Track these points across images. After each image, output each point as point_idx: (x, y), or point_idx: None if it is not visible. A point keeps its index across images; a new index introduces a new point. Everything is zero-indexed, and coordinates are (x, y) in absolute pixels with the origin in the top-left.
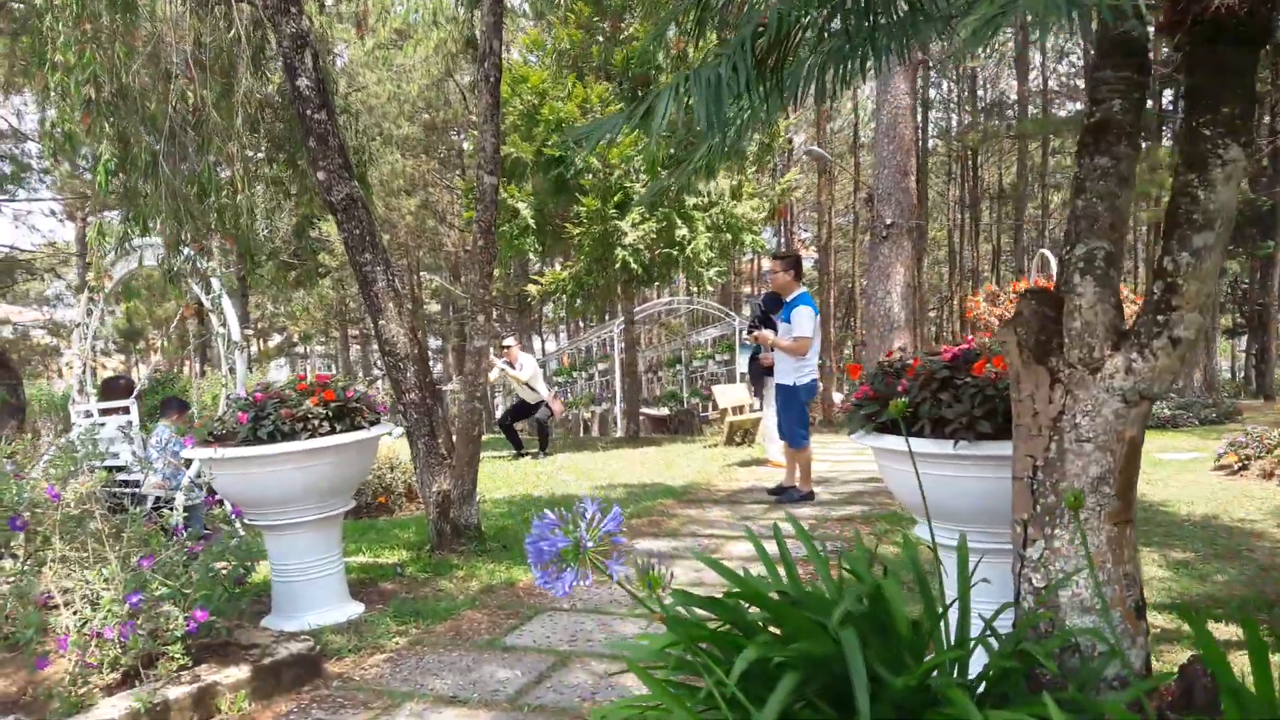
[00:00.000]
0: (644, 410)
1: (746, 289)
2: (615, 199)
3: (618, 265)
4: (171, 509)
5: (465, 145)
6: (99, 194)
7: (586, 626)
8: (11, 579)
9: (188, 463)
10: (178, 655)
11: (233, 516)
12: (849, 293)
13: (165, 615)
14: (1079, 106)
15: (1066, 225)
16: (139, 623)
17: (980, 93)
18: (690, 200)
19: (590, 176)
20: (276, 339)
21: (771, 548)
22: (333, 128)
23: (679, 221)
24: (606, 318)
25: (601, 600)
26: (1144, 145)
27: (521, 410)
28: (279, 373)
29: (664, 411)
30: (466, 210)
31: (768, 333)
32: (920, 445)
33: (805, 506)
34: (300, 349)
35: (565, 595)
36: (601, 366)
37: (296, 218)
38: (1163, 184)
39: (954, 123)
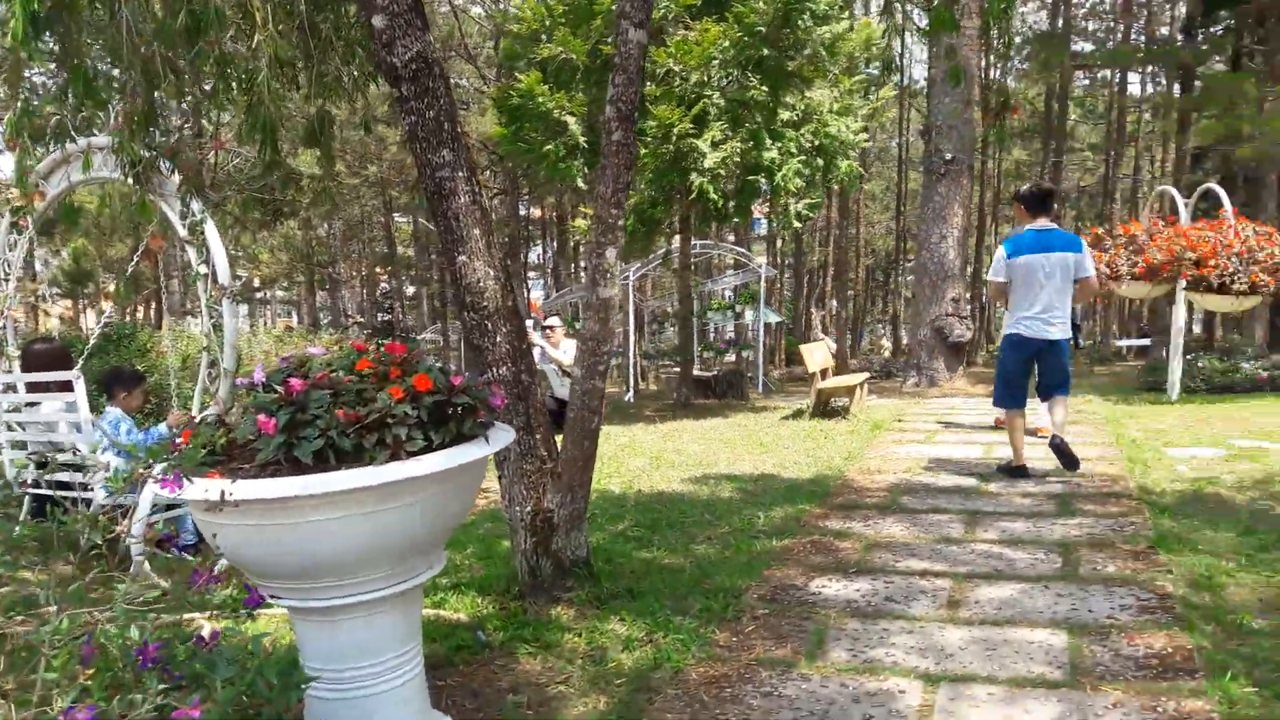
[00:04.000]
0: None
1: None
2: (693, 112)
3: (693, 195)
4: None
5: (455, 79)
6: (15, 48)
7: None
8: None
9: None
10: None
11: (247, 606)
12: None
13: None
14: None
15: None
16: None
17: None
18: (782, 114)
19: (653, 85)
20: (236, 283)
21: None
22: None
23: (768, 140)
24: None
25: (841, 702)
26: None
27: (555, 413)
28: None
29: (708, 373)
30: (496, 123)
31: None
32: None
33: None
34: (261, 294)
35: None
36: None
37: (306, 119)
38: (1250, 118)
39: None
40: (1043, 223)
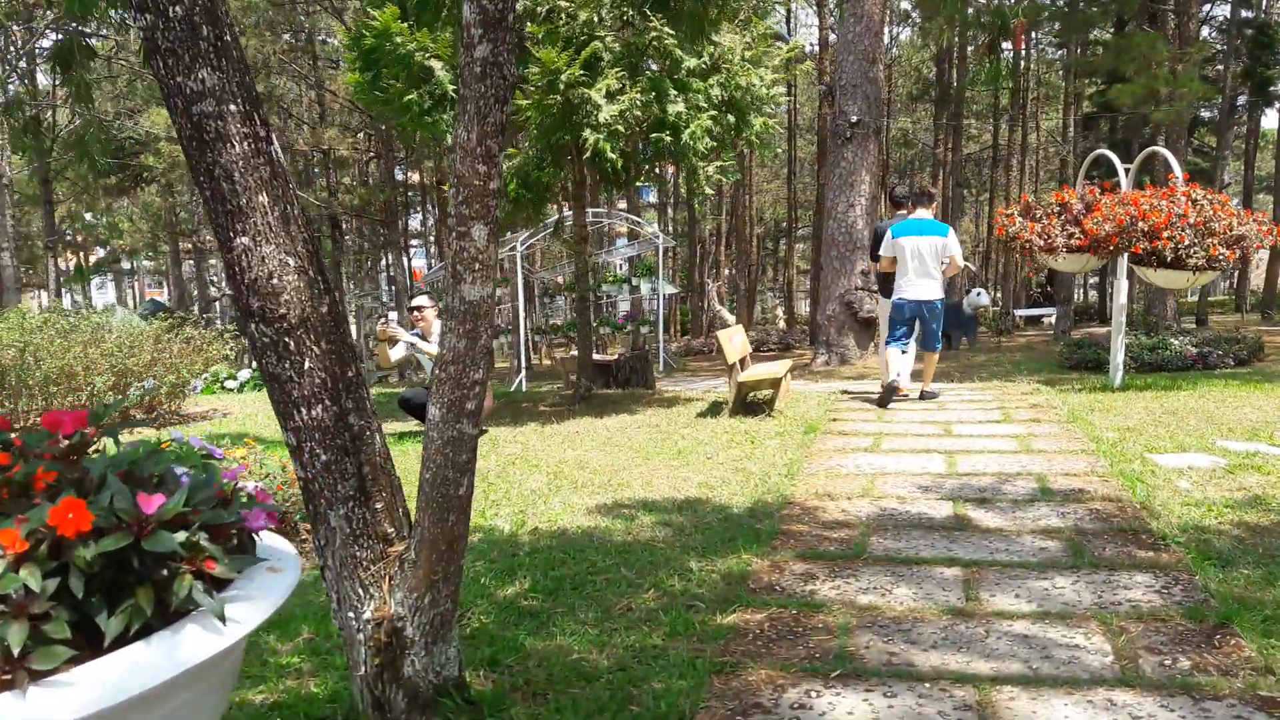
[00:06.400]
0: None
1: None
2: (583, 56)
3: (587, 155)
4: None
5: (323, 38)
6: None
7: None
8: None
9: None
10: None
11: None
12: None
13: None
14: None
15: None
16: None
17: None
18: (688, 62)
19: (534, 24)
20: (101, 253)
21: None
22: None
23: (672, 92)
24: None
25: None
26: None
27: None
28: (100, 296)
29: (609, 357)
30: (350, 69)
31: None
32: None
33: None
34: (126, 265)
35: None
36: (500, 290)
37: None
38: (1164, 78)
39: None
40: (921, 213)
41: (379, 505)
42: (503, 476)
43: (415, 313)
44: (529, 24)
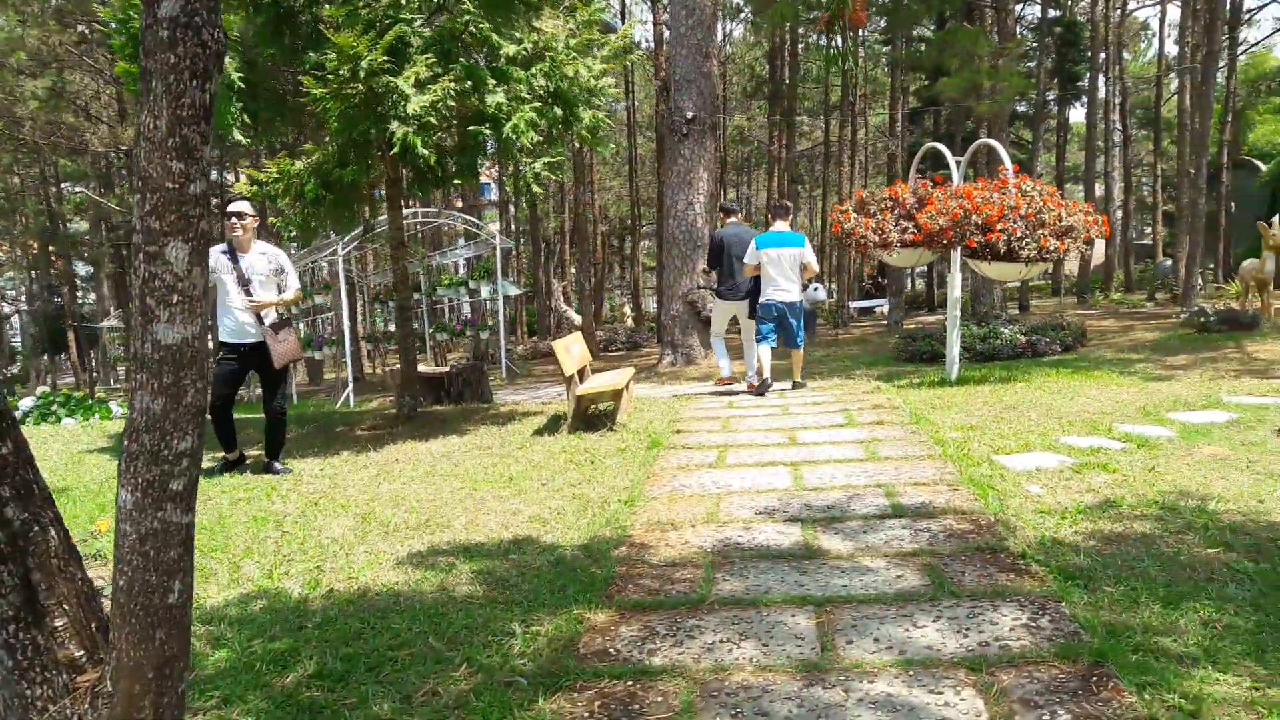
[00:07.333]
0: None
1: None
2: (386, 40)
3: (395, 150)
4: None
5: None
6: None
7: None
8: None
9: None
10: None
11: None
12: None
13: None
14: None
15: None
16: None
17: None
18: (507, 48)
19: (335, 4)
20: None
21: None
22: None
23: (490, 81)
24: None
25: None
26: (951, 24)
27: (235, 376)
28: None
29: (440, 369)
30: (121, 63)
31: None
32: None
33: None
34: None
35: None
36: (319, 299)
37: None
38: (987, 71)
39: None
40: (780, 225)
41: (59, 624)
42: (300, 522)
43: (233, 220)
44: (326, 6)
